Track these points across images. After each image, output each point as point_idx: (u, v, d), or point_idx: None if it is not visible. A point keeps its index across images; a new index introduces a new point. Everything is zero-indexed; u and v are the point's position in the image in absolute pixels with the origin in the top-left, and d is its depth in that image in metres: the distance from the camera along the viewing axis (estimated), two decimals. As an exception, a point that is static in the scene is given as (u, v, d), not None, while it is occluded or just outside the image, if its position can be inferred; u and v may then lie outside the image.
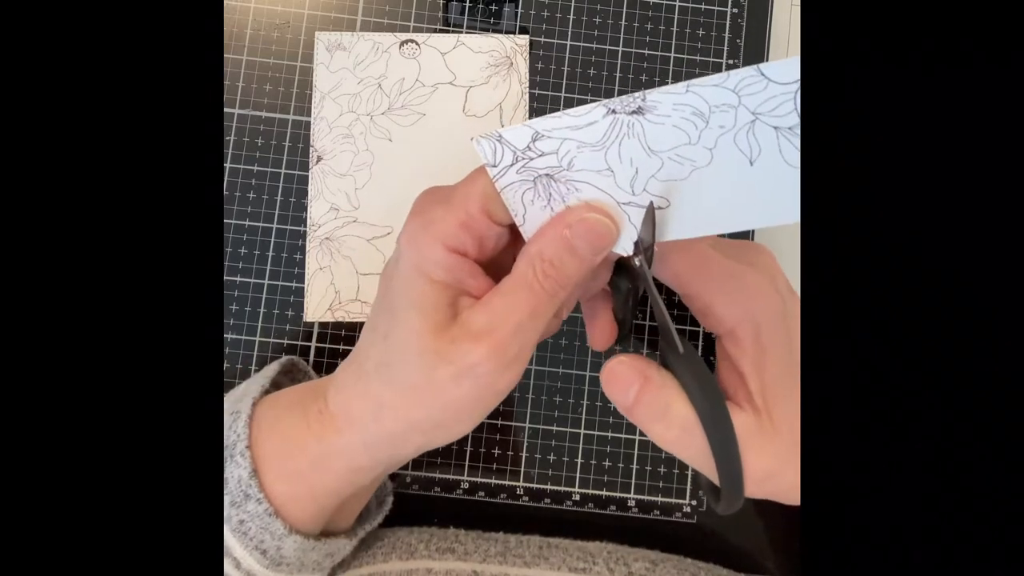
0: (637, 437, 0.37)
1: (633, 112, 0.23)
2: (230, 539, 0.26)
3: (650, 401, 0.25)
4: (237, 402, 0.29)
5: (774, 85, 0.21)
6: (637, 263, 0.25)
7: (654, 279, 0.26)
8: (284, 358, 0.35)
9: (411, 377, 0.25)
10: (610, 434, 0.37)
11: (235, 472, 0.26)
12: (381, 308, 0.26)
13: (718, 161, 0.23)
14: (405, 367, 0.25)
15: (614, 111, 0.23)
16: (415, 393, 0.25)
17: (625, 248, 0.25)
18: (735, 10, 0.40)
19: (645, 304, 0.27)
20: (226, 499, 0.26)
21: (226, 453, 0.27)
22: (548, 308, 0.25)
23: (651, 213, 0.24)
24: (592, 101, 0.39)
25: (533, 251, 0.25)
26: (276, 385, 0.31)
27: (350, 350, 0.37)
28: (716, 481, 0.25)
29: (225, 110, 0.38)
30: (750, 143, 0.22)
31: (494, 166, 0.25)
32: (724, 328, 0.27)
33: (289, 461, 0.27)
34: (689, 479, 0.37)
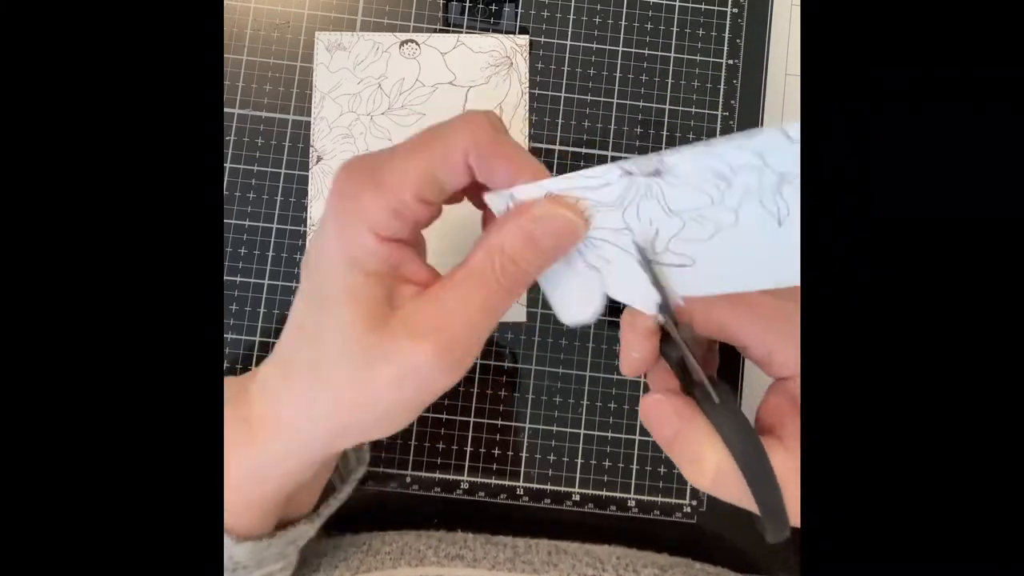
0: (637, 437, 0.37)
1: (650, 174, 0.22)
2: None
3: (686, 443, 0.24)
4: None
5: (799, 146, 0.20)
6: (662, 320, 0.24)
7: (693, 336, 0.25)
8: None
9: (345, 377, 0.23)
10: (610, 434, 0.37)
11: None
12: (307, 303, 0.24)
13: (744, 221, 0.22)
14: (338, 367, 0.23)
15: (630, 173, 0.23)
16: (351, 394, 0.23)
17: (647, 308, 0.25)
18: (735, 10, 0.40)
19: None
20: None
21: None
22: (503, 304, 0.24)
23: (652, 273, 0.23)
24: (592, 101, 0.39)
25: (494, 243, 0.23)
26: None
27: (350, 350, 0.37)
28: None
29: (225, 110, 0.38)
30: (778, 204, 0.22)
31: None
32: (790, 372, 0.25)
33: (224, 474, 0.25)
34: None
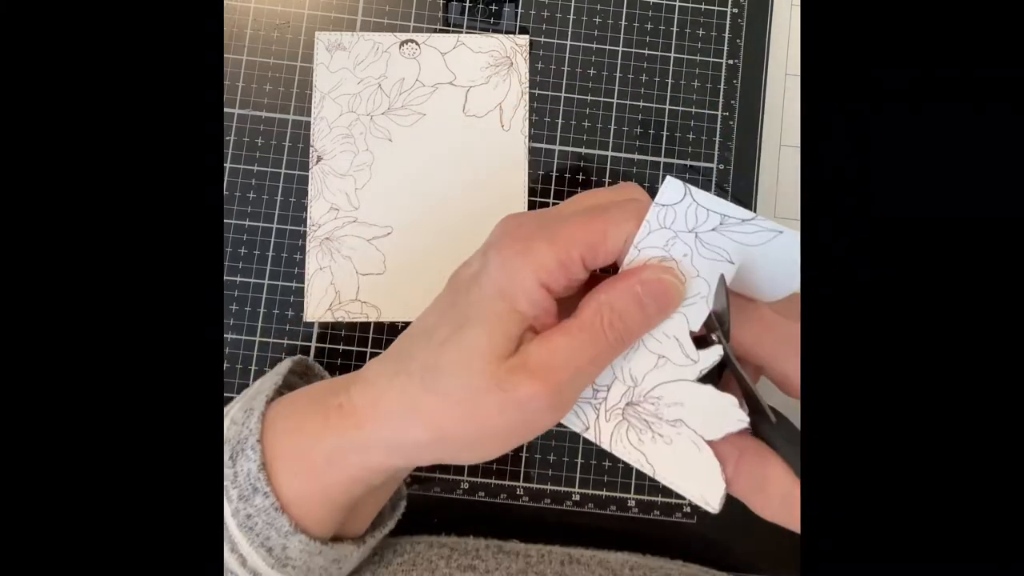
0: (637, 437, 0.37)
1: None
2: (237, 534, 0.26)
3: (748, 473, 0.25)
4: (251, 400, 0.29)
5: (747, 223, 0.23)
6: (715, 338, 0.25)
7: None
8: (297, 356, 0.34)
9: (459, 391, 0.24)
10: (610, 434, 0.37)
11: (245, 466, 0.26)
12: (444, 315, 0.26)
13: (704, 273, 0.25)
14: (455, 379, 0.24)
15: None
16: (458, 408, 0.24)
17: (694, 326, 0.25)
18: (735, 10, 0.40)
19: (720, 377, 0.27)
20: (234, 493, 0.26)
21: (236, 448, 0.26)
22: (608, 357, 0.25)
23: (723, 284, 0.24)
24: (592, 101, 0.39)
25: (603, 299, 0.25)
26: (289, 386, 0.31)
27: (350, 350, 0.37)
28: None
29: (225, 110, 0.38)
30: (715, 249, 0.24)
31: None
32: None
33: (303, 458, 0.26)
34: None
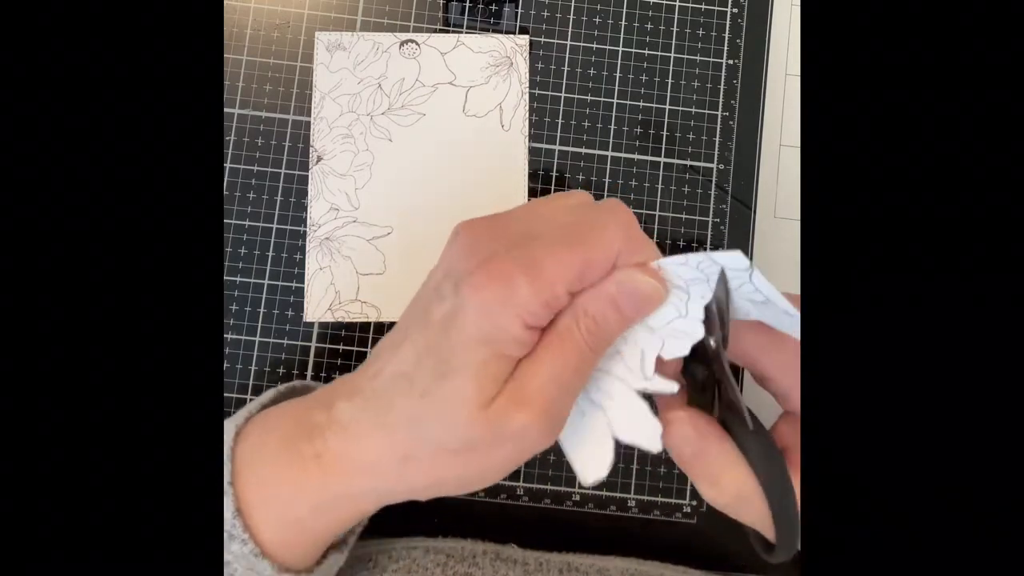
0: (637, 437, 0.37)
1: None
2: None
3: (706, 465, 0.25)
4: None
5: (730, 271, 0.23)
6: (712, 344, 0.24)
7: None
8: (282, 386, 0.32)
9: (452, 442, 0.23)
10: (610, 434, 0.37)
11: None
12: (423, 361, 0.24)
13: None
14: (445, 432, 0.23)
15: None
16: (453, 457, 0.24)
17: (653, 446, 0.25)
18: (735, 10, 0.40)
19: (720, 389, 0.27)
20: None
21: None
22: (590, 365, 0.24)
23: (724, 281, 0.23)
24: (592, 101, 0.39)
25: (577, 305, 0.24)
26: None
27: (350, 350, 0.37)
28: (770, 538, 0.26)
29: (225, 110, 0.38)
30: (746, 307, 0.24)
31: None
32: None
33: (286, 508, 0.25)
34: (690, 480, 0.37)
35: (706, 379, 0.26)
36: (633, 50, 0.39)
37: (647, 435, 0.25)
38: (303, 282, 0.37)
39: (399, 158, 0.38)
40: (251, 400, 0.32)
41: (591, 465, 0.26)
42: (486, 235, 0.24)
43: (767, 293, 0.23)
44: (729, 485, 0.24)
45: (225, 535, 0.24)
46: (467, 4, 0.39)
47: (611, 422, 0.25)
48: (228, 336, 0.37)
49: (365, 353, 0.37)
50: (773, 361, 0.26)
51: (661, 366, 0.25)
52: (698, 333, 0.24)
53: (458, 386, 0.23)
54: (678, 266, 0.23)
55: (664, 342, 0.25)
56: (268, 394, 0.30)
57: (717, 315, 0.24)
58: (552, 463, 0.37)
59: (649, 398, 0.25)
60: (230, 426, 0.27)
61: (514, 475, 0.37)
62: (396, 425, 0.24)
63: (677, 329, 0.24)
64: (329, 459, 0.25)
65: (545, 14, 0.39)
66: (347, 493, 0.25)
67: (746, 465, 0.25)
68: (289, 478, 0.25)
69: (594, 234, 0.24)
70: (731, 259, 0.22)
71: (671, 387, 0.25)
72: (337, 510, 0.25)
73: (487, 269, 0.23)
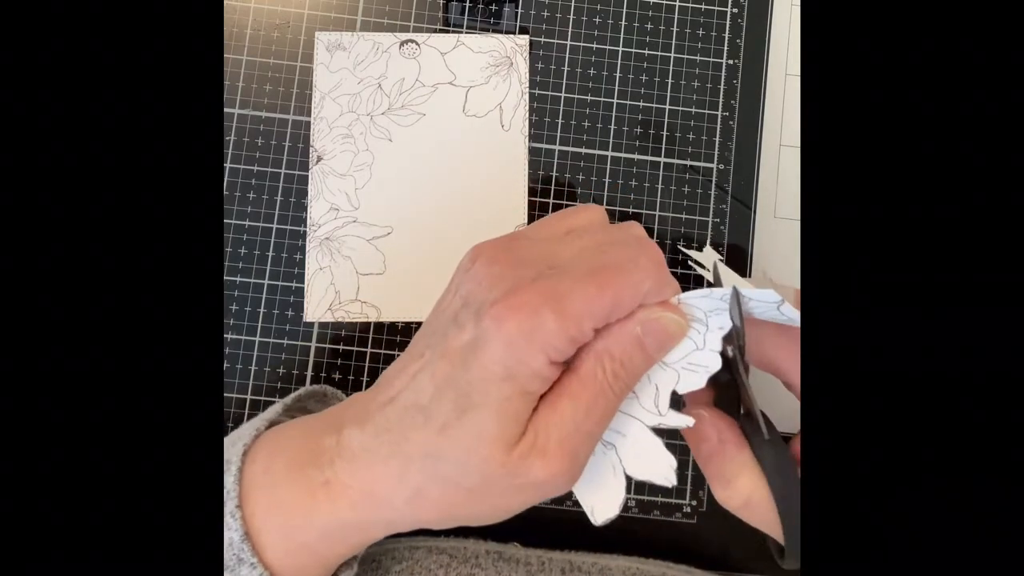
0: (637, 437, 0.37)
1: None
2: None
3: (721, 465, 0.25)
4: (229, 448, 0.26)
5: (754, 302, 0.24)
6: (730, 352, 0.24)
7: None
8: (289, 398, 0.31)
9: (468, 480, 0.23)
10: (610, 434, 0.37)
11: (225, 534, 0.24)
12: (442, 393, 0.23)
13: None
14: (464, 469, 0.23)
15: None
16: (470, 495, 0.23)
17: (668, 480, 0.25)
18: (735, 10, 0.40)
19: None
20: None
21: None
22: (614, 409, 0.24)
23: (736, 298, 0.23)
24: (592, 101, 0.39)
25: (601, 348, 0.23)
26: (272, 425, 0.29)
27: (350, 350, 0.37)
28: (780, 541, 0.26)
29: (225, 110, 0.38)
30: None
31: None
32: None
33: (295, 533, 0.24)
34: (689, 479, 0.37)
35: (728, 383, 0.26)
36: (633, 50, 0.39)
37: (662, 472, 0.24)
38: (303, 282, 0.37)
39: (399, 158, 0.38)
40: (262, 400, 0.32)
41: (601, 506, 0.25)
42: (507, 262, 0.23)
43: (794, 319, 0.24)
44: (741, 489, 0.25)
45: (234, 559, 0.24)
46: (467, 4, 0.39)
47: (623, 460, 0.25)
48: (228, 336, 0.37)
49: (365, 353, 0.37)
50: (788, 359, 0.26)
51: (694, 394, 0.25)
52: (715, 365, 0.24)
53: (480, 424, 0.22)
54: (700, 299, 0.23)
55: (680, 376, 0.24)
56: (279, 405, 0.30)
57: (735, 333, 0.24)
58: (552, 463, 0.37)
59: (662, 432, 0.25)
60: (238, 445, 0.26)
61: (514, 475, 0.37)
62: (410, 459, 0.23)
63: (692, 362, 0.24)
64: (338, 487, 0.24)
65: (545, 14, 0.39)
66: (356, 522, 0.24)
67: (760, 472, 0.25)
68: (298, 504, 0.24)
69: (624, 271, 0.23)
70: (761, 294, 0.23)
71: (686, 421, 0.24)
72: (346, 537, 0.25)
73: (510, 301, 0.22)
